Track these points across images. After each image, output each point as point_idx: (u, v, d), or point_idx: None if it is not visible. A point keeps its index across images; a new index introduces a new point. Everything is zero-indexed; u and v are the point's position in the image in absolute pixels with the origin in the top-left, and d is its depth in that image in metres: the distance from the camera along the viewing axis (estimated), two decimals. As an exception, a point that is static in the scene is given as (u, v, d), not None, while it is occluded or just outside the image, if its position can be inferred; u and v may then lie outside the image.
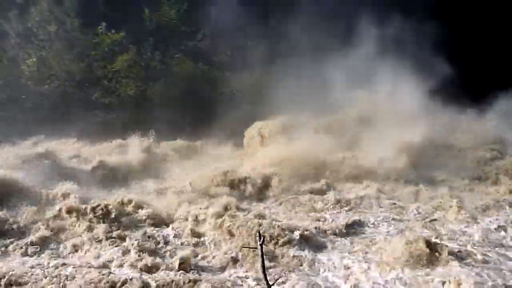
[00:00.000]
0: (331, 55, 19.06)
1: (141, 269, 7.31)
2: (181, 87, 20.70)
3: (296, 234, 8.38)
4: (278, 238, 8.32)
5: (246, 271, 7.48)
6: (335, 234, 8.88)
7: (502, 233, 8.70)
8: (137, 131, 17.07)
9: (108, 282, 6.71)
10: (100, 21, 20.39)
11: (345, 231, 8.98)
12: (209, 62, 21.72)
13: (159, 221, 9.51)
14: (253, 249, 8.00)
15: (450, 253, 7.39)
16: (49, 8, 20.37)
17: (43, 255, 7.88)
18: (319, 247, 8.30)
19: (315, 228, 8.98)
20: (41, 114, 18.87)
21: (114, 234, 8.59)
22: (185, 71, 21.21)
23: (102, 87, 20.17)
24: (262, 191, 11.87)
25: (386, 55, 17.33)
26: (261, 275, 6.41)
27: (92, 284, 6.67)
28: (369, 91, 17.31)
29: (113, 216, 9.20)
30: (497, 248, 7.88)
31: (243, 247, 8.34)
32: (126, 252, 7.93)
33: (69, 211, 9.30)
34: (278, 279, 7.14)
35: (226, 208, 9.85)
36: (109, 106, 19.81)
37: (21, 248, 8.07)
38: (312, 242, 8.39)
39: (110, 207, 9.37)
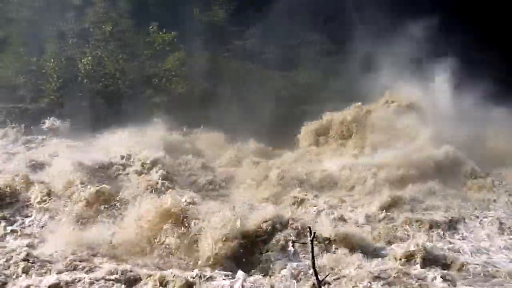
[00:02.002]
0: (383, 52, 18.93)
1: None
2: (229, 86, 21.00)
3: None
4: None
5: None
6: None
7: None
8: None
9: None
10: (152, 21, 20.97)
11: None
12: (256, 61, 21.92)
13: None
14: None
15: None
16: (104, 9, 21.15)
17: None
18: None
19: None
20: (96, 112, 19.59)
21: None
22: (233, 70, 21.53)
23: (153, 86, 20.67)
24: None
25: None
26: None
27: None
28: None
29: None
30: None
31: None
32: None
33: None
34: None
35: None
36: (160, 105, 20.26)
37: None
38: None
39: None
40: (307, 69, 21.95)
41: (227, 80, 21.09)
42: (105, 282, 6.60)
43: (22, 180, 10.31)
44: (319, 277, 5.69)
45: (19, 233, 8.61)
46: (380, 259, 7.97)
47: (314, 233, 5.83)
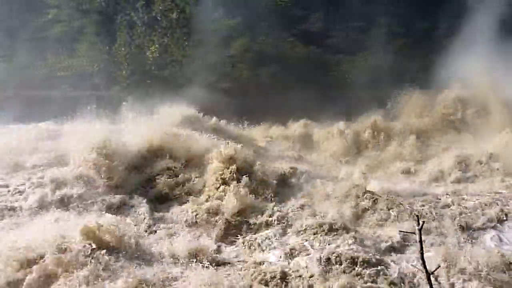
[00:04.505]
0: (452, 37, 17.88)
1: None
2: (294, 71, 20.71)
3: None
4: None
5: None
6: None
7: None
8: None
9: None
10: (217, 7, 21.06)
11: None
12: (321, 45, 21.40)
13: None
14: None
15: None
16: (171, -4, 21.56)
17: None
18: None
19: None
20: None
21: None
22: (298, 55, 21.18)
23: (218, 72, 20.82)
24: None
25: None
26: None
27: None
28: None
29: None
30: None
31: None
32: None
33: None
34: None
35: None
36: (224, 91, 20.41)
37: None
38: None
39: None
40: (374, 53, 21.10)
41: (292, 65, 20.82)
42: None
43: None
44: (428, 269, 5.27)
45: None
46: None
47: (423, 221, 5.40)
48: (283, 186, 10.39)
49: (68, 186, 9.17)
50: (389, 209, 8.87)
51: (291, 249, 7.42)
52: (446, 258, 6.84)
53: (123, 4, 21.88)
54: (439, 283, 6.45)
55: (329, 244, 7.44)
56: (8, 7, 22.87)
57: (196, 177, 10.16)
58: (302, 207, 9.14)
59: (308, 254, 7.20)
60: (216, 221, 8.52)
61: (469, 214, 8.77)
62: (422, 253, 5.21)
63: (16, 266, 6.15)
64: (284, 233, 8.22)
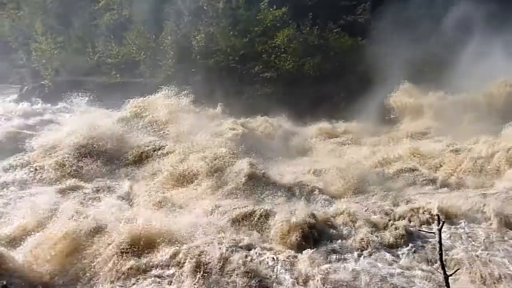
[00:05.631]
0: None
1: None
2: (338, 61, 20.51)
3: None
4: None
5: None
6: None
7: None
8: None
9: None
10: (263, -3, 21.15)
11: None
12: (367, 36, 21.04)
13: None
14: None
15: None
16: (217, -14, 21.74)
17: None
18: None
19: None
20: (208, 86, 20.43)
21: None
22: (342, 45, 20.94)
23: (263, 62, 20.90)
24: None
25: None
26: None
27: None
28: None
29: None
30: None
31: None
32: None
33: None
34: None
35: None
36: (269, 81, 20.47)
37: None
38: None
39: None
40: (423, 44, 20.54)
41: (336, 56, 20.63)
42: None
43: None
44: (446, 271, 5.14)
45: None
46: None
47: (443, 222, 5.26)
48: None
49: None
50: None
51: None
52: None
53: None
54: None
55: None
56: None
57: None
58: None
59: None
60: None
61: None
62: (441, 255, 5.05)
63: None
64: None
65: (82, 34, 22.81)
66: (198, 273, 6.54)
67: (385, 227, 8.36)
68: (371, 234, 8.04)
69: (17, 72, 25.87)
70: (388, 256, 7.47)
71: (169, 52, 21.95)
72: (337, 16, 21.41)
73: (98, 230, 7.31)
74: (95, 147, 11.63)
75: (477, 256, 7.27)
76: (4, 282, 6.04)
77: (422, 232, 8.00)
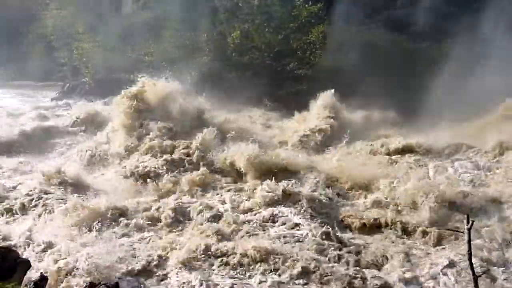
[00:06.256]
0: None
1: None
2: (375, 57, 20.08)
3: None
4: None
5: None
6: None
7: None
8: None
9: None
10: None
11: None
12: (406, 31, 20.50)
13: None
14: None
15: None
16: (253, -17, 21.75)
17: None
18: None
19: None
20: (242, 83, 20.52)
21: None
22: (379, 41, 20.48)
23: (297, 59, 20.78)
24: None
25: None
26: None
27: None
28: None
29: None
30: None
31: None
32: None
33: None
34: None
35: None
36: (303, 78, 20.32)
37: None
38: None
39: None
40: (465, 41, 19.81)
41: (373, 52, 20.19)
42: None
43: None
44: (475, 271, 4.96)
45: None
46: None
47: (473, 221, 5.05)
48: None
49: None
50: None
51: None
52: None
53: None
54: None
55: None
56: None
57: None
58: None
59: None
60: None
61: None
62: (470, 254, 4.90)
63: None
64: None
65: (121, 33, 23.39)
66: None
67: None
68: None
69: (59, 70, 26.84)
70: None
71: (204, 49, 22.21)
72: (374, 11, 20.97)
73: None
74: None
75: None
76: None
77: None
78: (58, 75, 26.98)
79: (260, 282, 6.77)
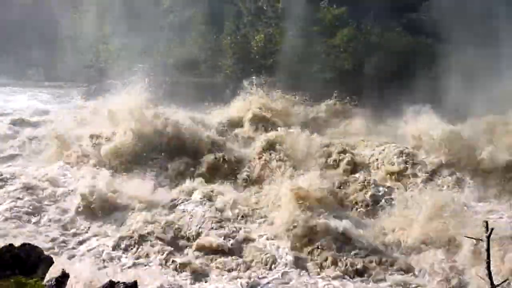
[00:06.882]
0: None
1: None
2: (398, 61, 19.98)
3: None
4: None
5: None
6: None
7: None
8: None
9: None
10: (324, -4, 21.02)
11: None
12: (430, 35, 20.35)
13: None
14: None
15: None
16: (278, -15, 21.87)
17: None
18: None
19: None
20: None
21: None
22: (404, 45, 20.38)
23: (321, 62, 20.79)
24: None
25: None
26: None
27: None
28: None
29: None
30: None
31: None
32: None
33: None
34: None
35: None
36: (327, 81, 20.31)
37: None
38: None
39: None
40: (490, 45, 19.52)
41: (397, 56, 20.09)
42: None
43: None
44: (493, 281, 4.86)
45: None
46: None
47: (492, 229, 4.90)
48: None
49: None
50: None
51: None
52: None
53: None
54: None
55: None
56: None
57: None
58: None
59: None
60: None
61: None
62: (488, 263, 4.77)
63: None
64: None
65: (147, 35, 23.73)
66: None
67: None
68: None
69: (86, 72, 27.36)
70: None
71: (228, 52, 22.44)
72: (399, 14, 20.86)
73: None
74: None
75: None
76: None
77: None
78: (84, 77, 27.50)
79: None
